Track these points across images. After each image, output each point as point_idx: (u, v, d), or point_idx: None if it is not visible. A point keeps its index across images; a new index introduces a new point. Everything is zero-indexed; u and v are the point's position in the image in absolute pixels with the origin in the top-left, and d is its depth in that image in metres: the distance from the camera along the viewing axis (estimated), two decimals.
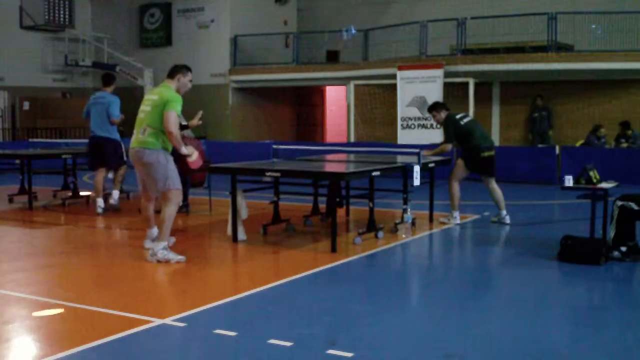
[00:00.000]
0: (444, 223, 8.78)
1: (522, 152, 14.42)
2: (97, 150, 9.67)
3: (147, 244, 7.11)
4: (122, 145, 9.72)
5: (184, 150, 6.57)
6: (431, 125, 15.87)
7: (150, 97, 6.59)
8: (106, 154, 9.68)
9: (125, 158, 9.91)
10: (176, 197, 6.56)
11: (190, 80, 6.81)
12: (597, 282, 6.11)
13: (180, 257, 6.51)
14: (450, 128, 8.82)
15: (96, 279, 6.25)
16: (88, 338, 4.28)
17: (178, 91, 6.61)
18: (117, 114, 9.53)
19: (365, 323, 4.73)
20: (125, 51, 21.64)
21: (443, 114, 8.93)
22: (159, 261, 6.43)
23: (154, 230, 7.09)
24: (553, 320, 4.94)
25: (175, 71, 6.70)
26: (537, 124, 16.77)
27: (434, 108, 9.11)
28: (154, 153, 6.43)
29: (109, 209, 9.69)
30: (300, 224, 8.52)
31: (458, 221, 8.82)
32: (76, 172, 11.11)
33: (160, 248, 6.47)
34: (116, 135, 9.69)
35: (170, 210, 6.49)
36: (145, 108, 6.55)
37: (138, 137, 6.51)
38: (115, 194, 9.93)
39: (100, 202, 9.58)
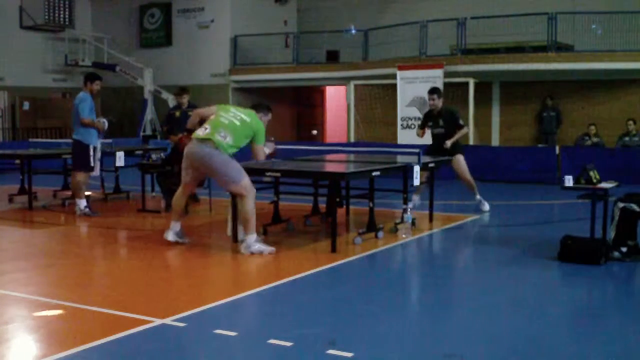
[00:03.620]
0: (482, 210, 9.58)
1: (522, 152, 14.42)
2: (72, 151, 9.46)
3: (170, 236, 7.14)
4: (90, 150, 9.17)
5: (267, 152, 7.16)
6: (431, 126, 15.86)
7: (242, 116, 6.87)
8: (72, 154, 9.41)
9: (92, 164, 9.20)
10: (250, 190, 6.74)
11: (269, 120, 7.22)
12: (597, 282, 6.11)
13: (272, 249, 6.80)
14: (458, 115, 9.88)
15: (96, 279, 6.25)
16: (88, 338, 4.27)
17: None
18: (85, 114, 9.07)
19: (365, 323, 4.73)
20: (125, 51, 21.66)
21: (441, 102, 9.72)
22: (252, 253, 6.68)
23: (178, 225, 7.18)
24: (553, 320, 4.93)
25: (261, 109, 7.16)
26: (545, 123, 16.79)
27: (438, 93, 9.79)
28: (222, 156, 6.67)
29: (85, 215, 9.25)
30: (300, 224, 8.51)
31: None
32: None
33: (254, 240, 6.71)
34: (84, 137, 9.18)
35: (250, 204, 6.70)
36: (231, 118, 6.80)
37: (215, 136, 6.67)
38: (81, 203, 9.29)
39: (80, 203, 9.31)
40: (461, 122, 9.70)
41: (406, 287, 6.20)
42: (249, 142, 6.89)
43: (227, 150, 6.69)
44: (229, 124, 6.73)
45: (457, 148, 9.66)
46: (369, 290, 5.73)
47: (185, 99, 10.53)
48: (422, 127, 10.01)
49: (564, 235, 6.65)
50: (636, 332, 4.67)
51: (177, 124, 9.99)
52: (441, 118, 9.64)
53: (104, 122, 9.46)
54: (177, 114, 10.41)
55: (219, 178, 6.82)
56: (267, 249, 6.77)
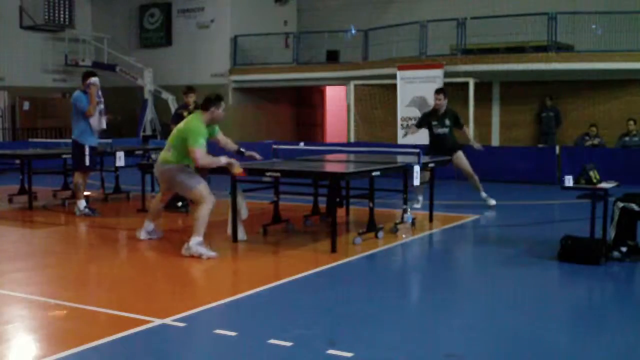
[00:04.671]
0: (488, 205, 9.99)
1: (522, 152, 14.42)
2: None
3: (142, 234, 7.52)
4: (85, 149, 9.16)
5: (223, 162, 6.89)
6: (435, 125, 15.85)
7: (181, 125, 6.98)
8: (72, 155, 9.42)
9: (87, 164, 9.23)
10: (207, 197, 6.78)
11: (224, 110, 7.01)
12: (597, 282, 6.11)
13: (212, 254, 6.70)
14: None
15: (96, 278, 6.26)
16: (88, 338, 4.28)
17: (211, 121, 6.94)
18: (84, 107, 9.10)
19: (365, 323, 4.73)
20: (125, 51, 21.65)
21: (446, 103, 10.01)
22: (192, 255, 6.66)
23: (151, 225, 7.54)
24: (553, 320, 4.94)
25: (211, 104, 6.89)
26: (544, 123, 16.81)
27: (445, 93, 10.17)
28: (173, 168, 6.88)
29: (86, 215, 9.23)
30: (300, 224, 8.51)
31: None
32: None
33: (195, 243, 6.71)
34: (80, 137, 9.16)
35: (203, 210, 6.76)
36: (174, 132, 7.02)
37: (164, 153, 6.99)
38: (81, 203, 9.28)
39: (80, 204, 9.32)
40: (462, 121, 10.22)
41: (406, 287, 6.20)
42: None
43: (173, 162, 6.86)
44: (171, 138, 6.99)
45: (457, 145, 10.02)
46: (369, 290, 5.73)
47: (191, 99, 10.53)
48: (420, 125, 10.17)
49: (564, 235, 6.66)
50: (636, 332, 4.67)
51: None
52: (447, 118, 9.92)
53: (95, 81, 9.35)
54: (185, 113, 10.43)
55: (177, 189, 7.10)
56: (207, 253, 6.66)
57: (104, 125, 9.56)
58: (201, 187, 6.80)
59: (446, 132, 9.88)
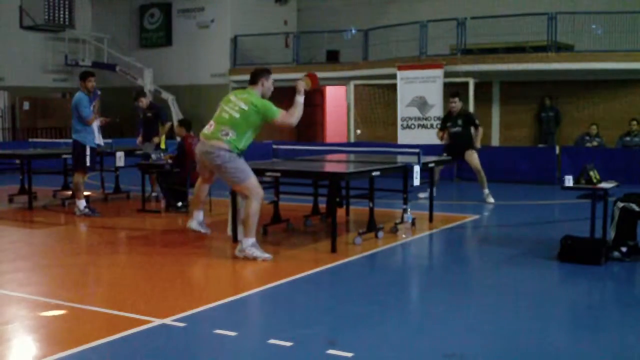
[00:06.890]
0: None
1: (522, 152, 14.42)
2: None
3: (193, 225, 7.16)
4: (87, 150, 9.14)
5: (301, 100, 6.92)
6: (431, 126, 15.85)
7: (238, 104, 6.51)
8: (72, 155, 9.39)
9: (88, 164, 9.19)
10: (255, 191, 6.48)
11: (273, 83, 6.79)
12: (597, 282, 6.11)
13: (267, 255, 6.54)
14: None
15: (96, 279, 6.25)
16: (88, 338, 4.28)
17: (263, 96, 6.68)
18: (86, 113, 9.05)
19: (365, 323, 4.73)
20: (125, 51, 21.66)
21: (460, 104, 10.83)
22: (246, 257, 6.48)
23: (201, 214, 7.17)
24: (553, 320, 4.94)
25: (259, 76, 6.71)
26: (544, 124, 16.82)
27: (459, 96, 10.93)
28: (226, 155, 6.42)
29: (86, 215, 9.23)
30: (300, 224, 8.51)
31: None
32: None
33: (249, 244, 6.51)
34: (82, 137, 9.15)
35: (254, 206, 6.46)
36: (230, 111, 6.49)
37: (216, 134, 6.44)
38: (80, 203, 9.28)
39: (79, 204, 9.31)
40: (477, 122, 10.80)
41: (406, 287, 6.20)
42: (264, 122, 6.57)
43: (233, 146, 6.41)
44: (230, 119, 6.45)
45: (471, 144, 10.66)
46: (369, 290, 5.73)
47: (142, 103, 10.83)
48: (442, 128, 10.97)
49: (564, 235, 6.65)
50: (636, 332, 4.67)
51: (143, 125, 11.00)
52: (460, 119, 10.69)
53: (97, 93, 9.40)
54: (149, 114, 10.84)
55: (223, 176, 6.66)
56: (262, 255, 6.52)
57: (101, 142, 9.62)
58: (252, 180, 6.49)
59: (458, 132, 10.61)
